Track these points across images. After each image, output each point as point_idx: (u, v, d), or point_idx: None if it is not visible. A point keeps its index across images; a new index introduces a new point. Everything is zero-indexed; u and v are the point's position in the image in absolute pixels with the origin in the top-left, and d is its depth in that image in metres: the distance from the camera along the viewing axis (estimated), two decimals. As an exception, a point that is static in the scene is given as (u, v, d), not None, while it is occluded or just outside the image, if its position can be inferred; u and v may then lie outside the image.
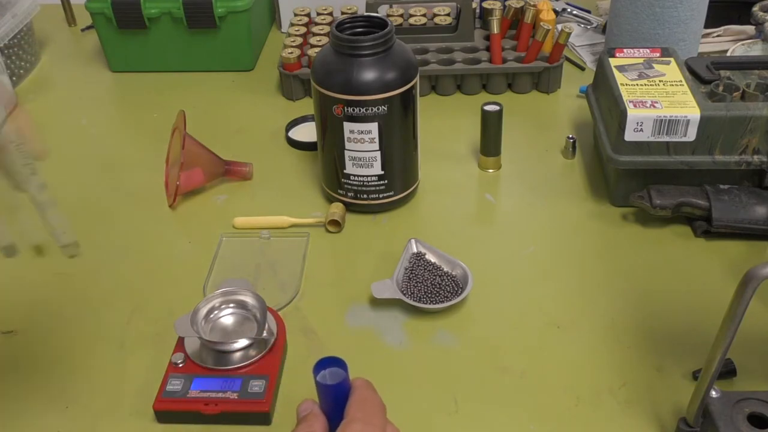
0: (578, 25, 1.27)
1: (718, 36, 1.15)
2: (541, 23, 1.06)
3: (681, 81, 0.84)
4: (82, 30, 1.35)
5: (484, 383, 0.67)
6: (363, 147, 0.81)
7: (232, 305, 0.71)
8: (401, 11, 1.16)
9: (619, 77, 0.85)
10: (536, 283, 0.78)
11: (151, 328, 0.74)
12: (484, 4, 1.17)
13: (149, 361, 0.70)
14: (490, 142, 0.92)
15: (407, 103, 0.81)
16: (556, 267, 0.79)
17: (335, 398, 0.50)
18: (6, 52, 1.13)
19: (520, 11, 1.12)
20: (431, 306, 0.73)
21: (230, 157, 0.94)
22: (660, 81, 0.84)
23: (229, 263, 0.81)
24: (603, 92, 0.88)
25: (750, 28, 1.14)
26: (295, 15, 1.20)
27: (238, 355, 0.67)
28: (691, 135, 0.79)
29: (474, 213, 0.89)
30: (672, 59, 0.88)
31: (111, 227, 0.88)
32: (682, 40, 1.02)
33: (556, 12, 1.20)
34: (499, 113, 0.90)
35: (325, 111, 0.81)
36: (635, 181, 0.83)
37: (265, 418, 0.64)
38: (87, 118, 1.11)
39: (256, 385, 0.64)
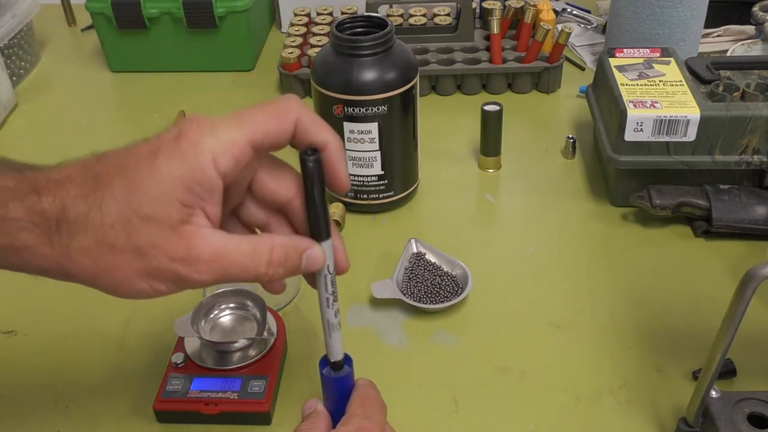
0: (578, 25, 1.27)
1: (718, 36, 1.15)
2: (541, 23, 1.06)
3: (681, 81, 0.84)
4: (82, 30, 1.35)
5: (484, 383, 0.67)
6: (363, 147, 0.81)
7: (232, 305, 0.71)
8: (401, 11, 1.16)
9: (619, 77, 0.85)
10: (536, 283, 0.78)
11: (151, 328, 0.74)
12: (484, 4, 1.17)
13: (149, 361, 0.70)
14: (490, 142, 0.92)
15: (407, 103, 0.81)
16: (556, 267, 0.79)
17: (339, 392, 0.52)
18: (6, 52, 1.13)
19: (520, 11, 1.12)
20: (431, 306, 0.73)
21: (230, 157, 0.94)
22: (660, 81, 0.84)
23: (229, 263, 0.81)
24: (603, 92, 0.88)
25: (750, 28, 1.14)
26: (295, 15, 1.20)
27: (238, 355, 0.67)
28: (691, 135, 0.79)
29: (474, 213, 0.89)
30: (672, 59, 0.88)
31: (111, 227, 0.88)
32: (682, 40, 1.02)
33: (556, 12, 1.20)
34: (499, 113, 0.90)
35: (325, 111, 0.81)
36: (635, 181, 0.83)
37: (265, 418, 0.64)
38: (87, 118, 1.11)
39: (256, 385, 0.64)
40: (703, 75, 0.84)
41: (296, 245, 0.47)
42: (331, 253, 0.48)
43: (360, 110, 0.79)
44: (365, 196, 0.85)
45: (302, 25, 1.17)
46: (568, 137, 0.95)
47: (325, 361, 0.53)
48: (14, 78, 1.15)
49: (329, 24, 1.16)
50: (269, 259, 0.46)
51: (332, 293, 0.50)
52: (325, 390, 0.53)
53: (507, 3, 1.15)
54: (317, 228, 0.47)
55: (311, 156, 0.45)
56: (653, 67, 0.87)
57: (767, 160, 0.80)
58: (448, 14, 1.16)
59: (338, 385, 0.53)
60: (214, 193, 0.44)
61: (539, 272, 0.79)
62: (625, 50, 0.90)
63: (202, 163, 0.43)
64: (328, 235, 0.48)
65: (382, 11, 1.16)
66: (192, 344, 0.68)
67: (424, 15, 1.16)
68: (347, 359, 0.53)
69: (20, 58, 1.18)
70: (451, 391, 0.66)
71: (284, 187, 0.48)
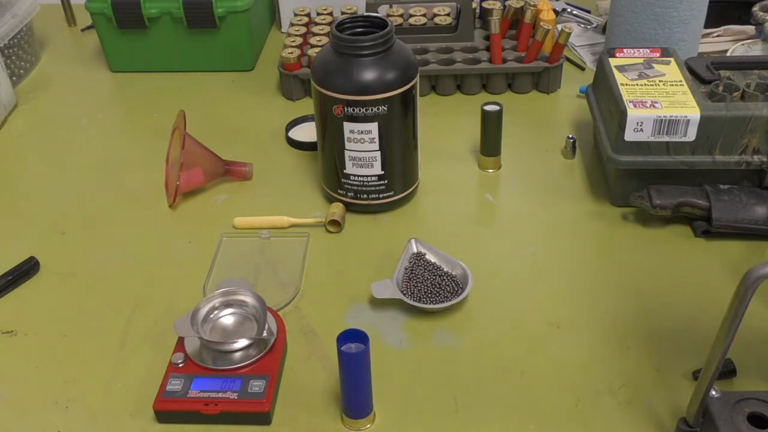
0: (578, 25, 1.27)
1: (718, 36, 1.15)
2: (541, 23, 1.06)
3: (681, 81, 0.84)
4: (82, 30, 1.35)
5: (484, 383, 0.67)
6: (363, 147, 0.81)
7: (232, 305, 0.71)
8: (401, 11, 1.16)
9: (619, 77, 0.85)
10: (536, 283, 0.78)
11: (151, 328, 0.74)
12: (484, 4, 1.17)
13: (149, 361, 0.70)
14: (490, 142, 0.92)
15: (407, 103, 0.81)
16: (556, 267, 0.79)
17: (356, 366, 0.59)
18: (6, 52, 1.13)
19: (520, 11, 1.12)
20: (431, 306, 0.73)
21: (230, 157, 0.94)
22: (660, 81, 0.84)
23: (229, 263, 0.81)
24: (603, 92, 0.88)
25: (750, 28, 1.14)
26: (295, 15, 1.20)
27: (238, 355, 0.67)
28: (691, 135, 0.79)
29: (474, 213, 0.89)
30: (672, 59, 0.88)
31: (111, 227, 0.88)
32: (682, 40, 1.02)
33: (556, 12, 1.20)
34: (499, 113, 0.90)
35: (325, 111, 0.81)
36: (635, 181, 0.83)
37: (265, 418, 0.64)
38: (87, 118, 1.11)
39: (256, 385, 0.64)
40: (703, 75, 0.84)
41: None
42: None
43: (360, 110, 0.79)
44: (365, 196, 0.85)
45: (302, 25, 1.17)
46: (568, 137, 0.95)
47: (343, 337, 0.58)
48: (14, 78, 1.16)
49: (329, 24, 1.16)
50: None
51: None
52: (342, 363, 0.58)
53: (507, 3, 1.15)
54: None
55: None
56: (653, 67, 0.87)
57: (767, 160, 0.80)
58: (448, 14, 1.16)
59: (353, 359, 0.58)
60: None
61: (539, 272, 0.79)
62: (625, 50, 0.90)
63: None
64: None
65: (382, 11, 1.16)
66: (192, 344, 0.68)
67: (424, 15, 1.16)
68: (363, 336, 0.58)
69: (20, 58, 1.18)
70: (451, 391, 0.66)
71: None
